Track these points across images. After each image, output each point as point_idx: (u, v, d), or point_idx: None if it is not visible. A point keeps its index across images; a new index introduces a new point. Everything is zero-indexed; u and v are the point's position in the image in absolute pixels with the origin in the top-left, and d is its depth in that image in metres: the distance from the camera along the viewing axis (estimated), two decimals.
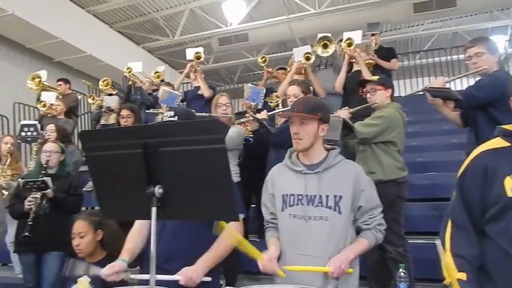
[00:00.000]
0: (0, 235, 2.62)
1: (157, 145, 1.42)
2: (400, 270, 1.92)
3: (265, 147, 3.33)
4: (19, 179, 3.70)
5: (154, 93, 5.78)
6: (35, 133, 4.31)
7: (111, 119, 5.58)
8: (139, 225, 2.17)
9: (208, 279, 1.87)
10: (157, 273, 1.79)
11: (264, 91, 3.80)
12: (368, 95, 3.08)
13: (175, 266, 1.88)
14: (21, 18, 7.41)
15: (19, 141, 4.70)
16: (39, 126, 4.44)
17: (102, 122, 5.67)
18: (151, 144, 1.42)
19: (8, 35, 8.07)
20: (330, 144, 2.13)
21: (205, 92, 5.12)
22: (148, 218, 1.45)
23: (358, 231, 1.99)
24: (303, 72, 4.19)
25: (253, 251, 1.90)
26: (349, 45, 4.03)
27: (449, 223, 1.51)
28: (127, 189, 1.51)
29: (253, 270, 3.50)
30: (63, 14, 8.41)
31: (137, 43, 11.14)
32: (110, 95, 6.02)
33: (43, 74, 5.76)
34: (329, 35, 4.39)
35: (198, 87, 5.27)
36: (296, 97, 3.14)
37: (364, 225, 1.96)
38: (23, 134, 4.30)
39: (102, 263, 2.58)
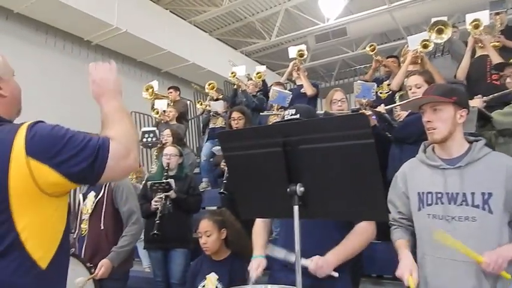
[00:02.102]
0: (139, 232, 2.82)
1: (298, 143, 1.38)
2: None
3: (383, 144, 3.13)
4: (144, 181, 4.00)
5: (258, 93, 5.89)
6: (154, 139, 4.61)
7: (219, 123, 5.85)
8: (263, 222, 2.16)
9: (336, 274, 1.77)
10: (287, 271, 1.80)
11: (375, 86, 3.59)
12: (508, 80, 2.73)
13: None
14: (133, 34, 8.09)
15: (141, 146, 5.09)
16: (157, 132, 4.75)
17: (211, 125, 5.96)
18: (292, 142, 1.39)
19: (122, 51, 8.86)
20: (472, 136, 1.91)
21: (308, 90, 5.06)
22: (288, 216, 1.42)
23: None
24: (419, 61, 3.89)
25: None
26: (476, 27, 3.62)
27: None
28: (266, 188, 1.50)
29: (375, 274, 3.37)
30: (168, 27, 9.00)
31: (235, 48, 11.51)
32: (216, 99, 6.30)
33: (155, 84, 6.18)
34: (444, 18, 4.00)
35: (301, 86, 5.23)
36: (418, 87, 2.91)
37: None
38: (144, 140, 4.62)
39: (226, 261, 2.68)
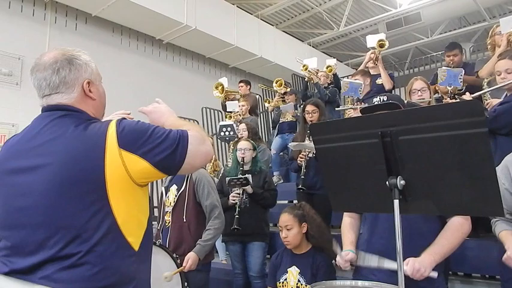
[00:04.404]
0: (222, 226, 2.86)
1: (398, 133, 1.30)
2: None
3: None
4: (221, 175, 4.07)
5: (330, 86, 5.76)
6: (231, 133, 4.63)
7: (288, 117, 5.84)
8: (350, 218, 2.09)
9: (435, 274, 1.65)
10: (373, 268, 1.72)
11: (463, 72, 3.31)
12: None
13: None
14: (202, 31, 8.26)
15: (219, 140, 5.17)
16: (235, 126, 4.78)
17: (280, 120, 5.99)
18: (390, 133, 1.31)
19: (191, 48, 9.12)
20: None
21: (387, 84, 4.73)
22: (385, 211, 1.35)
23: None
24: None
25: None
26: None
27: None
28: (361, 181, 1.44)
29: (462, 273, 3.15)
30: (236, 22, 9.09)
31: (301, 40, 11.36)
32: (284, 93, 6.26)
33: (224, 81, 6.19)
34: None
35: (375, 77, 4.99)
36: (509, 72, 2.67)
37: None
38: (222, 134, 4.66)
39: (308, 255, 2.65)
